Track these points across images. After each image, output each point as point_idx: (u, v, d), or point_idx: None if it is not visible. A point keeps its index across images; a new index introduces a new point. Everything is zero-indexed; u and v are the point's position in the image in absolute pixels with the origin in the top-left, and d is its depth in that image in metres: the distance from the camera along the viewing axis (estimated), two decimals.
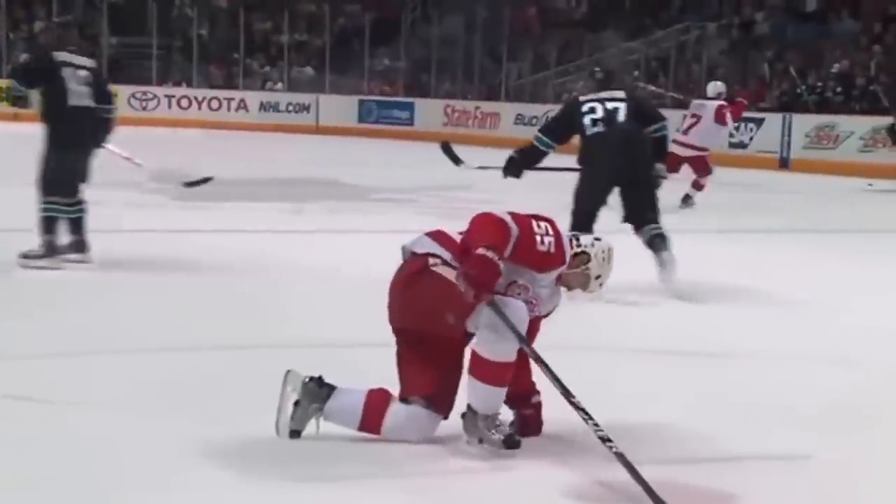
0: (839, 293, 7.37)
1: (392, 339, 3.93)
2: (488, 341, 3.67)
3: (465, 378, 3.78)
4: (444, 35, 27.74)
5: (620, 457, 3.39)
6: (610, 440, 3.44)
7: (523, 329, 3.67)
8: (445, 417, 3.86)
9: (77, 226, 7.52)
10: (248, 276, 7.30)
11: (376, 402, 3.84)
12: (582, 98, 7.58)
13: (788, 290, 7.35)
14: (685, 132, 12.87)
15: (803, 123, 19.20)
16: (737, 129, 19.54)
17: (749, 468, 3.75)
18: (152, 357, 5.06)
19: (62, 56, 7.50)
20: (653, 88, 23.81)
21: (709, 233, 10.61)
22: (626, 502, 3.40)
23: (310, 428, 3.82)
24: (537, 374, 3.77)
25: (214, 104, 27.16)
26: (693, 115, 12.91)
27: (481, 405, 3.75)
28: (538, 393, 3.92)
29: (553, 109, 14.53)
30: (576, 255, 3.95)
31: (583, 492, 3.49)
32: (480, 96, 26.47)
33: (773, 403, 4.57)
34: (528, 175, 7.59)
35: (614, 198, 7.35)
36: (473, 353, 3.72)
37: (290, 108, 27.31)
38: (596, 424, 3.49)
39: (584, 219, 7.02)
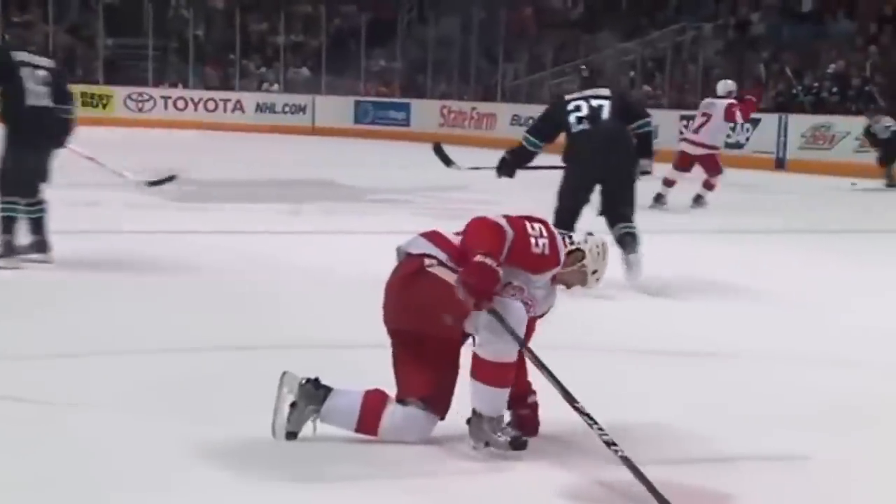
0: (838, 293, 7.37)
1: (388, 339, 3.93)
2: (489, 343, 3.65)
3: (466, 382, 3.77)
4: (440, 36, 27.75)
5: (626, 460, 3.37)
6: (615, 444, 3.42)
7: (522, 330, 3.67)
8: (442, 418, 3.85)
9: (37, 226, 7.51)
10: (246, 277, 7.30)
11: (373, 404, 3.83)
12: (568, 97, 7.70)
13: (787, 291, 7.35)
14: (696, 131, 12.99)
15: (799, 124, 19.22)
16: (733, 129, 19.60)
17: (747, 468, 3.74)
18: (150, 358, 5.05)
19: (21, 56, 7.47)
20: (648, 89, 23.86)
21: (706, 233, 10.62)
22: (622, 500, 3.40)
23: (306, 429, 3.81)
24: (534, 375, 3.76)
25: (211, 105, 27.16)
26: (703, 114, 12.98)
27: (486, 408, 3.74)
28: (534, 393, 3.92)
29: None
30: (570, 253, 3.95)
31: (581, 492, 3.49)
32: (476, 97, 26.49)
33: (772, 403, 4.56)
34: (522, 175, 7.70)
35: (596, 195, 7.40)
36: (474, 356, 3.71)
37: (287, 109, 27.33)
38: (601, 429, 3.48)
39: (567, 216, 7.07)
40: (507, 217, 3.80)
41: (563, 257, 3.88)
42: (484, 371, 3.69)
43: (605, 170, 7.33)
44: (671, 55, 23.66)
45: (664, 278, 7.49)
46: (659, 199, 12.59)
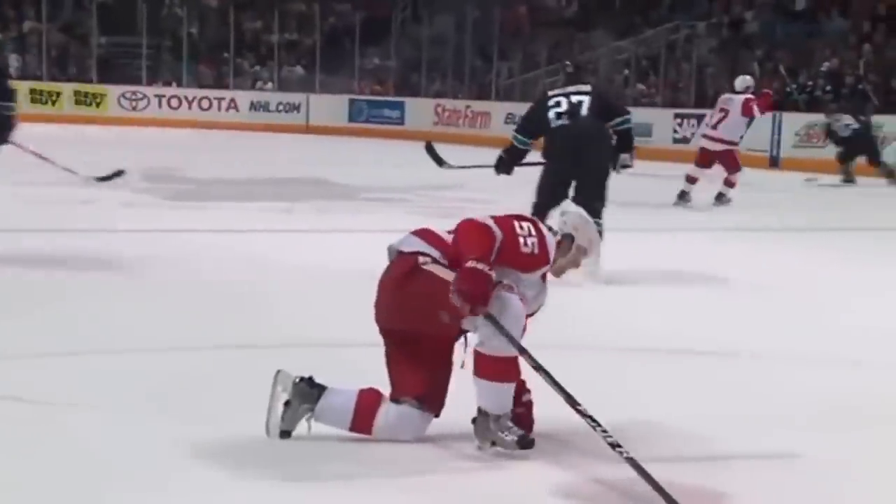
0: (837, 292, 7.36)
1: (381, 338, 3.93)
2: (489, 339, 3.65)
3: (463, 381, 3.77)
4: (434, 34, 27.75)
5: (632, 461, 3.36)
6: (620, 445, 3.41)
7: (522, 325, 3.66)
8: (437, 415, 3.85)
9: None
10: (240, 276, 7.29)
11: (367, 402, 3.83)
12: (550, 92, 7.90)
13: (785, 289, 7.36)
14: (714, 127, 13.05)
15: (793, 122, 19.24)
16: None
17: (747, 468, 3.75)
18: (145, 356, 5.04)
19: None
20: (642, 87, 23.87)
21: (703, 231, 10.63)
22: (621, 499, 3.41)
23: (300, 428, 3.80)
24: (528, 373, 3.75)
25: (204, 104, 27.14)
26: (721, 110, 13.04)
27: (492, 405, 3.73)
28: (529, 391, 3.89)
29: None
30: (559, 242, 3.95)
31: (577, 490, 3.49)
32: (471, 95, 26.49)
33: (772, 402, 4.56)
34: (517, 173, 7.86)
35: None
36: (476, 353, 3.70)
37: (281, 107, 27.31)
38: (605, 431, 3.46)
39: (545, 211, 7.10)
40: (495, 218, 3.79)
41: (552, 254, 3.88)
42: (487, 368, 3.68)
43: (581, 165, 7.48)
44: (665, 54, 23.66)
45: (661, 276, 7.51)
46: (683, 196, 12.66)
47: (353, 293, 4.33)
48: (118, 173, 9.36)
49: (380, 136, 24.45)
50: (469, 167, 8.36)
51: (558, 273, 4.03)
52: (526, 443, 3.72)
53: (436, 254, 3.81)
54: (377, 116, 26.55)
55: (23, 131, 7.92)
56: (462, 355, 3.82)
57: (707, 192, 12.81)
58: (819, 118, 18.44)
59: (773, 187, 15.63)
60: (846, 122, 16.32)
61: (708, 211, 12.32)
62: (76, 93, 26.82)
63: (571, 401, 3.55)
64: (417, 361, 3.81)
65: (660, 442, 3.91)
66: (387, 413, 3.81)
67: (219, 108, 27.07)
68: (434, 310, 3.68)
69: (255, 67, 29.35)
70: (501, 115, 23.68)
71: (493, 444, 3.74)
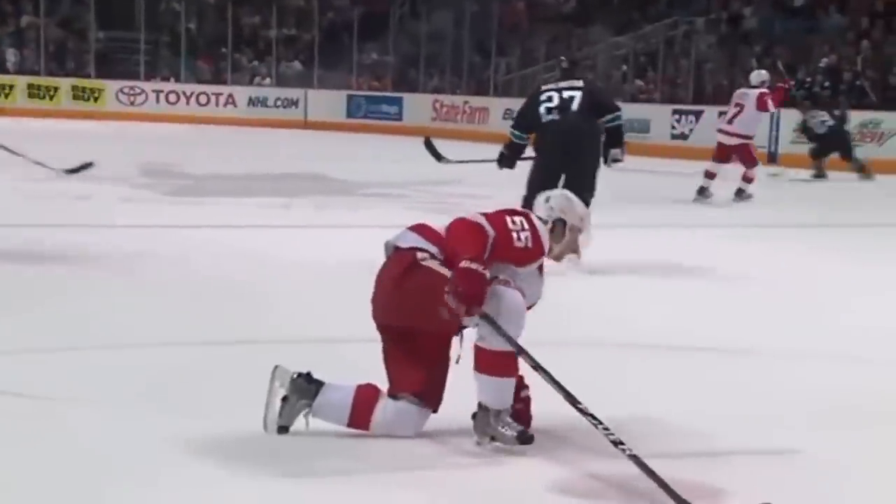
0: (838, 290, 7.36)
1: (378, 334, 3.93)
2: (490, 333, 3.65)
3: (459, 376, 3.78)
4: (432, 30, 27.71)
5: (635, 459, 3.36)
6: (622, 443, 3.41)
7: (521, 320, 3.66)
8: (435, 411, 3.84)
9: None
10: (238, 271, 7.29)
11: (365, 398, 3.82)
12: (543, 87, 8.06)
13: (786, 286, 7.37)
14: (730, 121, 13.11)
15: (791, 118, 19.20)
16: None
17: (747, 465, 3.75)
18: (143, 352, 5.04)
19: None
20: (640, 83, 23.86)
21: (702, 227, 10.63)
22: (619, 494, 3.41)
23: (298, 424, 3.80)
24: (526, 369, 3.75)
25: (202, 99, 27.11)
26: (736, 105, 13.09)
27: (492, 400, 3.73)
28: (527, 387, 3.89)
29: None
30: (552, 230, 3.96)
31: (575, 486, 3.49)
32: (469, 91, 26.47)
33: (772, 400, 4.56)
34: (519, 167, 8.05)
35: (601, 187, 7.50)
36: (477, 348, 3.70)
37: (279, 102, 27.29)
38: (606, 429, 3.46)
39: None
40: (486, 215, 3.79)
41: (547, 244, 3.88)
42: (487, 362, 3.68)
43: (570, 159, 7.61)
44: (663, 49, 23.64)
45: (660, 272, 7.52)
46: (702, 192, 12.70)
47: (352, 289, 4.33)
48: (86, 165, 9.36)
49: (378, 132, 24.44)
50: (467, 162, 8.42)
51: (559, 258, 4.05)
52: (525, 438, 3.72)
53: (433, 249, 3.81)
54: (375, 112, 26.53)
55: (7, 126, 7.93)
56: (457, 350, 3.82)
57: (714, 189, 12.80)
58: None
59: (771, 183, 15.63)
60: (822, 119, 16.41)
61: (728, 207, 12.33)
62: (74, 88, 26.80)
63: (572, 399, 3.55)
64: (415, 357, 3.81)
65: (660, 439, 3.90)
66: (384, 409, 3.81)
67: (217, 104, 27.04)
68: (433, 306, 3.65)
69: (254, 63, 29.32)
70: (499, 111, 23.64)
71: (493, 439, 3.74)
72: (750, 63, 21.89)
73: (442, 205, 10.54)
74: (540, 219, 3.95)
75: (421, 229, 3.91)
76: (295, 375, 3.83)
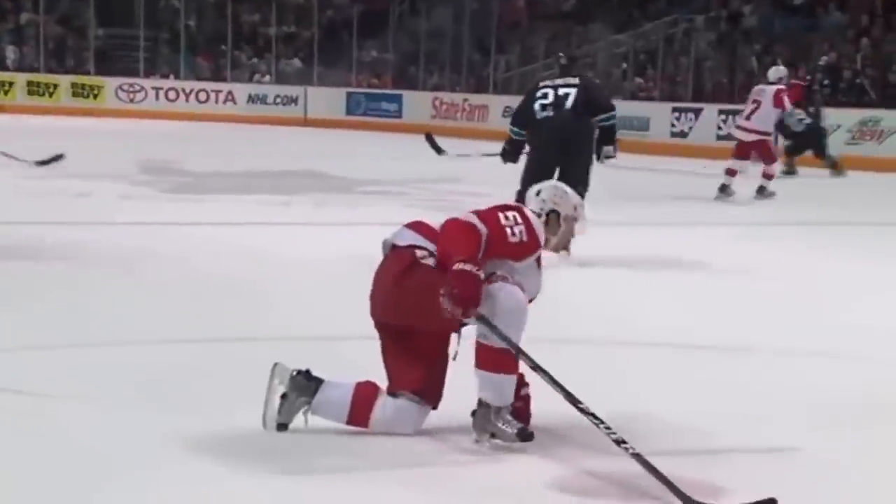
0: (838, 289, 7.35)
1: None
2: (489, 329, 3.64)
3: (459, 373, 3.77)
4: (432, 27, 27.69)
5: (638, 457, 3.36)
6: (625, 441, 3.41)
7: (522, 316, 3.65)
8: (435, 407, 3.84)
9: None
10: (238, 268, 7.28)
11: (364, 396, 3.82)
12: (541, 84, 8.24)
13: (786, 284, 7.35)
14: (748, 118, 13.09)
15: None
16: (724, 121, 19.60)
17: (747, 462, 3.75)
18: (142, 349, 5.04)
19: None
20: (640, 81, 23.85)
21: (702, 225, 10.63)
22: (618, 492, 3.41)
23: (297, 421, 3.80)
24: (525, 368, 3.76)
25: (202, 96, 27.09)
26: (754, 101, 13.08)
27: (493, 397, 3.72)
28: (527, 385, 3.88)
29: None
30: (547, 222, 3.95)
31: (574, 483, 3.49)
32: (468, 89, 26.46)
33: (772, 399, 4.55)
34: (513, 166, 8.24)
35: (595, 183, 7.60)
36: (478, 345, 3.69)
37: (278, 100, 27.27)
38: (608, 428, 3.46)
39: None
40: (479, 212, 3.78)
41: (542, 237, 3.87)
42: (489, 359, 3.67)
43: (562, 157, 7.77)
44: (663, 47, 23.64)
45: (659, 270, 7.52)
46: (724, 189, 12.69)
47: (351, 286, 4.33)
48: (57, 157, 9.37)
49: (377, 129, 24.42)
50: (467, 156, 8.49)
51: (558, 249, 4.04)
52: (526, 435, 3.72)
53: (431, 247, 3.80)
54: (375, 109, 26.52)
55: None
56: (455, 347, 3.81)
57: (705, 187, 12.80)
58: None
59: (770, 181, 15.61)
60: (799, 117, 16.35)
61: (749, 205, 12.32)
62: (73, 85, 26.79)
63: (572, 399, 3.54)
64: (414, 355, 3.81)
65: (659, 437, 3.90)
66: (384, 407, 3.81)
67: (216, 101, 27.02)
68: (434, 305, 3.63)
69: (253, 60, 29.31)
70: (499, 109, 23.62)
71: (493, 436, 3.74)
72: (750, 61, 21.93)
73: (441, 202, 10.53)
74: (533, 212, 3.94)
75: (418, 227, 3.90)
76: (294, 373, 3.83)
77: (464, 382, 3.76)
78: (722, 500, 3.33)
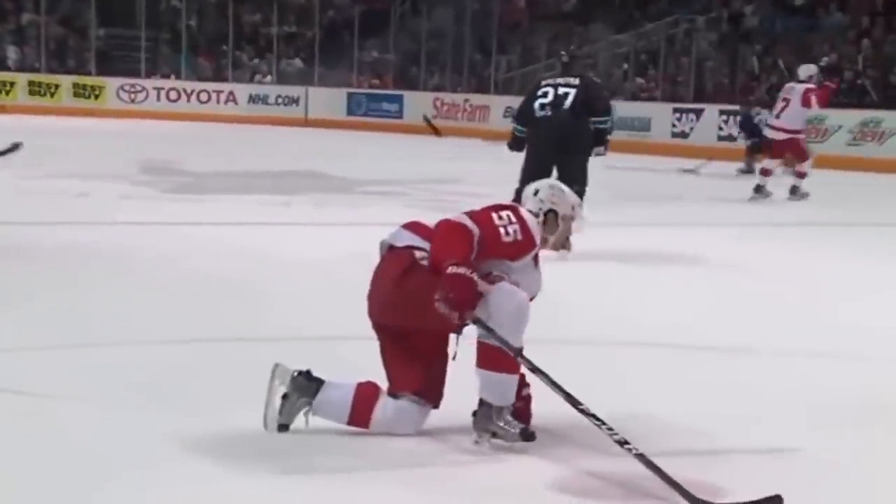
0: (839, 288, 7.35)
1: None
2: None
3: (460, 374, 3.77)
4: (433, 28, 27.70)
5: (641, 457, 3.36)
6: (627, 442, 3.41)
7: (523, 315, 3.64)
8: (436, 407, 3.84)
9: None
10: (239, 269, 7.28)
11: (365, 396, 3.81)
12: (543, 82, 8.43)
13: (785, 285, 7.34)
14: (777, 116, 13.10)
15: None
16: (725, 122, 19.61)
17: (747, 463, 3.75)
18: (142, 349, 5.04)
19: None
20: (641, 81, 23.85)
21: (702, 226, 10.63)
22: (619, 491, 3.42)
23: (298, 422, 3.80)
24: (524, 368, 3.76)
25: (203, 96, 27.12)
26: (784, 99, 13.10)
27: (496, 397, 3.71)
28: (528, 385, 3.88)
29: None
30: (545, 221, 3.94)
31: (574, 483, 3.49)
32: (470, 89, 26.47)
33: (773, 399, 4.55)
34: (513, 165, 8.36)
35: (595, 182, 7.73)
36: (479, 345, 3.68)
37: (280, 100, 27.29)
38: (610, 429, 3.46)
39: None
40: (471, 213, 3.76)
41: (538, 236, 3.85)
42: (490, 358, 3.67)
43: (559, 155, 7.94)
44: (664, 48, 23.65)
45: (659, 270, 7.51)
46: (759, 189, 12.70)
47: (352, 286, 4.32)
48: (15, 146, 9.37)
49: (378, 130, 24.42)
50: (471, 139, 8.70)
51: (558, 247, 4.03)
52: (528, 435, 3.71)
53: (429, 247, 3.79)
54: (376, 110, 26.52)
55: None
56: (454, 347, 3.81)
57: (706, 186, 12.80)
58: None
59: (771, 182, 15.60)
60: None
61: (783, 205, 12.32)
62: (75, 85, 26.82)
63: (572, 401, 3.54)
64: (414, 356, 3.80)
65: (659, 438, 3.89)
66: (385, 407, 3.80)
67: (217, 101, 27.05)
68: (433, 306, 3.61)
69: (254, 60, 29.33)
70: (500, 109, 23.63)
71: (494, 435, 3.73)
72: (751, 61, 21.94)
73: (442, 203, 10.53)
74: (531, 212, 3.93)
75: (415, 227, 3.88)
76: (295, 373, 3.82)
77: (464, 382, 3.76)
78: (724, 500, 3.33)
